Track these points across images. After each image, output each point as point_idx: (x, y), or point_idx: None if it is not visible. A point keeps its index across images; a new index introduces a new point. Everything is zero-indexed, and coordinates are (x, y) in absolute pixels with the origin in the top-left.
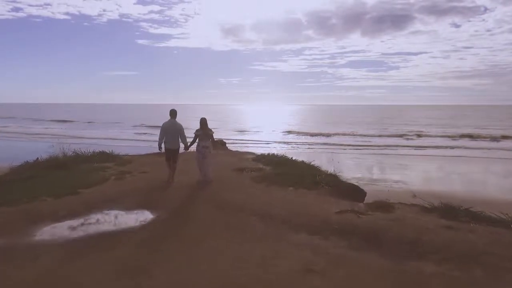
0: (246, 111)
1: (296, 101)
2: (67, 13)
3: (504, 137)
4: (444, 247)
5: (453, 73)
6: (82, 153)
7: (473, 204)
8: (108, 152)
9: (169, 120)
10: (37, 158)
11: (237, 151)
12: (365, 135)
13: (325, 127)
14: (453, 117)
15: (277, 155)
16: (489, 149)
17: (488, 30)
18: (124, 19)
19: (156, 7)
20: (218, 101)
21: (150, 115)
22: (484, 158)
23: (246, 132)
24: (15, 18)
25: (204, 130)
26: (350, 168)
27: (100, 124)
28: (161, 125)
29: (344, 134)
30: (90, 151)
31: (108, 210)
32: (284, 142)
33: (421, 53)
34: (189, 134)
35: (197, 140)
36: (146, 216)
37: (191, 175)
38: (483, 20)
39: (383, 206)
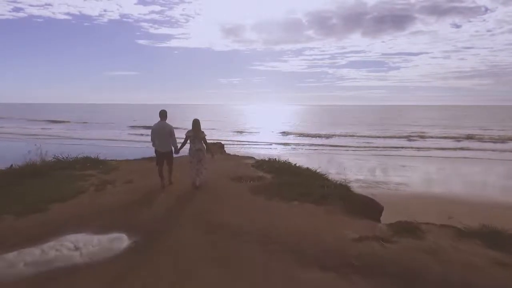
0: (246, 111)
1: (296, 101)
2: (67, 13)
3: (511, 139)
4: None
5: (453, 73)
6: (63, 158)
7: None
8: (93, 157)
9: (158, 121)
10: (11, 165)
11: (235, 155)
12: (367, 136)
13: (326, 128)
14: (454, 117)
15: (279, 161)
16: (493, 150)
17: (489, 31)
18: (124, 19)
19: (156, 7)
20: (218, 101)
21: (150, 115)
22: (496, 160)
23: (245, 133)
24: (16, 18)
25: (196, 133)
26: (355, 170)
27: (94, 124)
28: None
29: (345, 135)
30: (74, 155)
31: (75, 234)
32: (284, 144)
33: (421, 53)
34: (182, 135)
35: (189, 143)
36: (120, 242)
37: (181, 183)
38: (484, 20)
39: (409, 228)
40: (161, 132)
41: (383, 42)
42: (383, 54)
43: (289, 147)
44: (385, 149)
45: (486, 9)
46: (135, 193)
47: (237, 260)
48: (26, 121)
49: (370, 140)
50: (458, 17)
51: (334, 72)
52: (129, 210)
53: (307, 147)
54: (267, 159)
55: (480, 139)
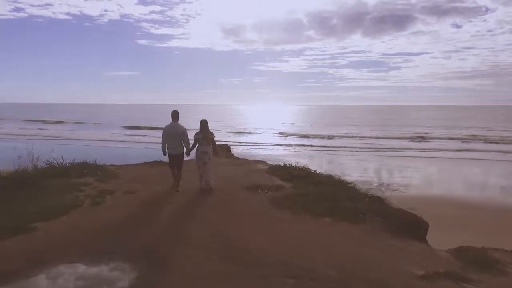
0: (247, 111)
1: (296, 101)
2: (68, 13)
3: None
4: None
5: (454, 73)
6: (58, 164)
7: None
8: (90, 162)
9: (170, 123)
10: None
11: (245, 159)
12: (371, 137)
13: (330, 129)
14: (455, 118)
15: (296, 167)
16: (497, 151)
17: (489, 31)
18: (125, 20)
19: (157, 8)
20: (219, 102)
21: (150, 115)
22: (504, 161)
23: (249, 134)
24: (16, 18)
25: (204, 134)
26: (361, 171)
27: (93, 124)
28: (163, 126)
29: (350, 136)
30: (71, 159)
31: (65, 264)
32: (289, 145)
33: (422, 53)
34: (190, 136)
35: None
36: (120, 275)
37: (191, 193)
38: (484, 20)
39: (482, 258)
40: (173, 133)
41: (383, 42)
42: (383, 54)
43: (295, 148)
44: (397, 150)
45: (487, 9)
46: (138, 207)
47: None
48: (26, 121)
49: (378, 141)
50: (459, 17)
51: (334, 72)
52: (131, 230)
53: (315, 148)
54: (282, 164)
55: (485, 139)
